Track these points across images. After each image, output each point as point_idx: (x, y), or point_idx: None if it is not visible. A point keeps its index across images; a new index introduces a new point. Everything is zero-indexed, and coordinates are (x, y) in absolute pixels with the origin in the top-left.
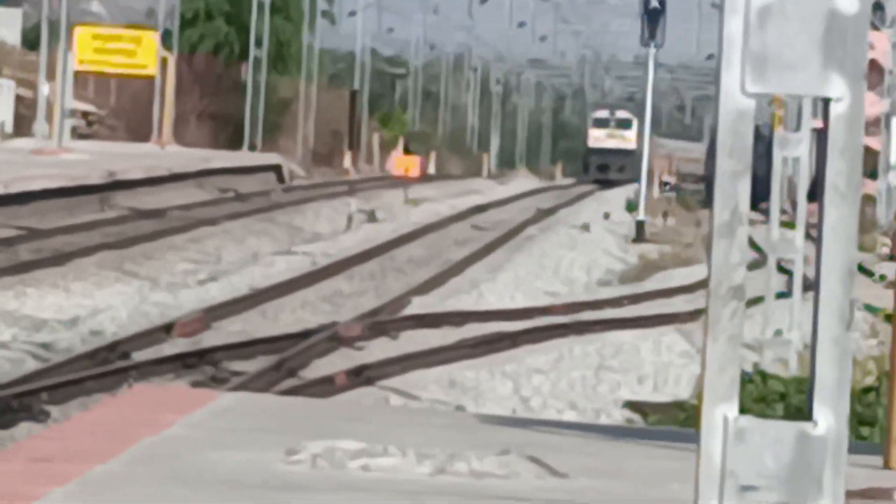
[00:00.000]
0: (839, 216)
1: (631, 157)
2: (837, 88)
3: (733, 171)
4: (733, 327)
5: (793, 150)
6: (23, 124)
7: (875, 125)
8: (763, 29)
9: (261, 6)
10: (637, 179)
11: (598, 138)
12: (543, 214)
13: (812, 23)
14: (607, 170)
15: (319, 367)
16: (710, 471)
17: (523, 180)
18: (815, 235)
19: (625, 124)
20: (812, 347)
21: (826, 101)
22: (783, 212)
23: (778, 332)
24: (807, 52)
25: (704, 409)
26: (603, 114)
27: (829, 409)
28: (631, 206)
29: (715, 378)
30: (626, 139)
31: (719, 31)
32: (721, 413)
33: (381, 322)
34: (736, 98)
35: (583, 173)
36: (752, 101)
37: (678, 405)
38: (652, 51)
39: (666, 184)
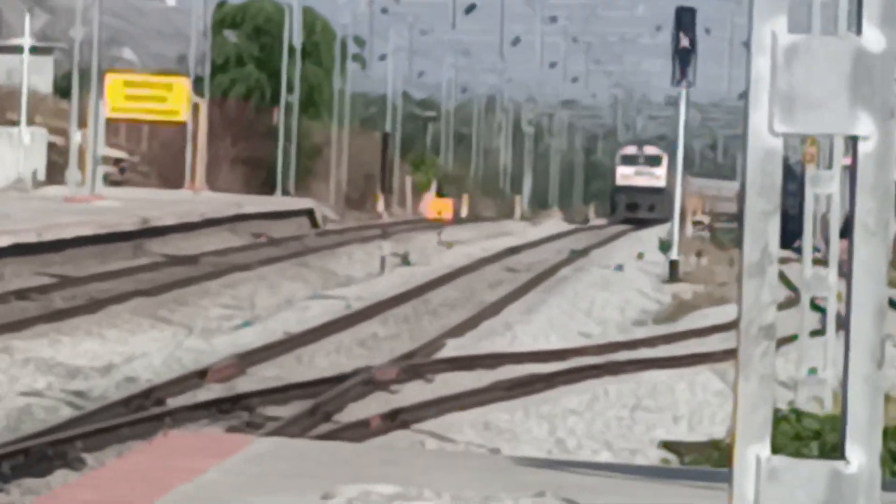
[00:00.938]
0: (869, 254)
1: (661, 195)
2: (865, 127)
3: (763, 211)
4: (765, 367)
5: (825, 188)
6: (55, 172)
7: None
8: (790, 68)
9: (291, 51)
10: (668, 219)
11: (626, 176)
12: (577, 255)
13: (839, 61)
14: (636, 209)
15: (354, 411)
16: None
17: (556, 221)
18: None
19: (654, 161)
20: (844, 386)
21: (854, 140)
22: (816, 250)
23: (812, 371)
24: (834, 90)
25: (737, 448)
26: (631, 150)
27: (862, 448)
28: (664, 246)
29: (747, 417)
30: (656, 176)
31: (747, 71)
32: (753, 452)
33: (415, 365)
34: (764, 138)
35: (611, 213)
36: (780, 140)
37: (713, 444)
38: (683, 90)
39: (699, 222)
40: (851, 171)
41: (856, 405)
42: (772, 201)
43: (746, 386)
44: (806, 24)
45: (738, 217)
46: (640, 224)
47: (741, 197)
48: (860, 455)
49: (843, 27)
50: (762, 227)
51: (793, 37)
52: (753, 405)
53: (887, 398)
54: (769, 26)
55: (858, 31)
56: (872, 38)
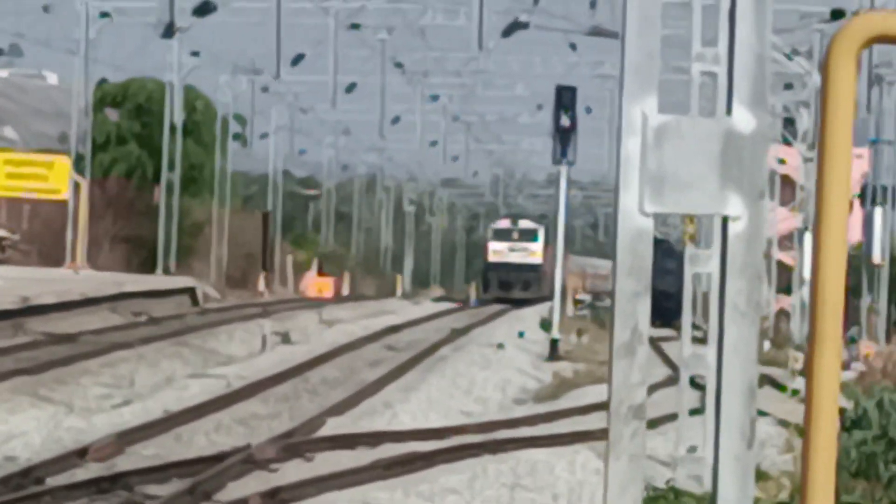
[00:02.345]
0: (739, 334)
1: (537, 272)
2: (735, 207)
3: (632, 291)
4: (635, 446)
5: (704, 267)
6: None
7: (789, 240)
8: (660, 148)
9: (172, 129)
10: (544, 298)
11: (498, 252)
12: (457, 334)
13: (708, 142)
14: (510, 287)
15: (234, 490)
16: None
17: (437, 301)
18: None
19: (529, 235)
20: (714, 465)
21: (724, 220)
22: (696, 328)
23: (692, 449)
24: (703, 171)
25: None
26: (504, 224)
27: None
28: (545, 325)
29: (616, 498)
30: (532, 253)
31: (617, 151)
32: None
33: (295, 444)
34: (634, 218)
35: (483, 292)
36: (650, 220)
37: None
38: (564, 169)
39: (580, 301)
40: (721, 252)
41: (726, 484)
42: (641, 282)
43: (616, 465)
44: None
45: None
46: (512, 304)
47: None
48: None
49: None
50: (631, 308)
51: (663, 117)
52: (623, 485)
53: (766, 477)
54: (639, 107)
55: (728, 111)
56: (742, 118)
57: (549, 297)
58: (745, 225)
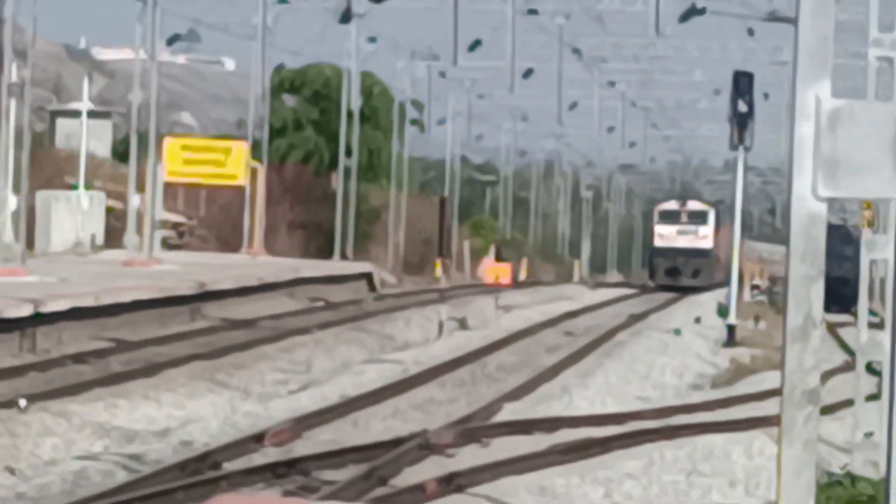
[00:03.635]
0: None
1: (707, 258)
2: None
3: (806, 276)
4: (809, 432)
5: (881, 252)
6: (113, 236)
7: None
8: (833, 133)
9: (350, 115)
10: (714, 286)
11: (665, 236)
12: (634, 320)
13: (882, 126)
14: (678, 275)
15: (410, 476)
16: None
17: (614, 286)
18: None
19: (699, 218)
20: (888, 451)
21: None
22: (873, 314)
23: (868, 435)
24: (877, 155)
25: None
26: (671, 205)
27: None
28: (722, 311)
29: (790, 484)
30: (701, 236)
31: (790, 136)
32: None
33: (472, 429)
34: (808, 202)
35: (648, 279)
36: (823, 204)
37: None
38: (741, 154)
39: (756, 287)
40: None
41: None
42: (815, 266)
43: (790, 451)
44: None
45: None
46: (686, 291)
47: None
48: None
49: None
50: (805, 292)
51: (836, 102)
52: (797, 470)
53: None
54: (813, 91)
55: None
56: None
57: (720, 286)
58: None
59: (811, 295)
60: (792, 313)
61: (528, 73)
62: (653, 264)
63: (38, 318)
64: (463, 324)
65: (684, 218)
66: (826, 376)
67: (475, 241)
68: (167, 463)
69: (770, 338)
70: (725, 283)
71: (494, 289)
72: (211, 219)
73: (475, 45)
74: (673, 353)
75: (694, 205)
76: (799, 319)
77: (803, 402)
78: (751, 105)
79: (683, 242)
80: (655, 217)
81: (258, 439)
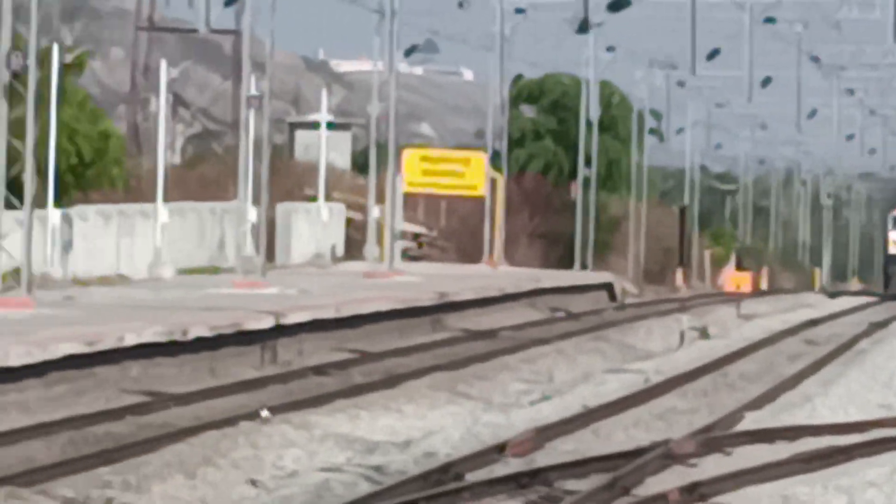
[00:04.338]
0: None
1: None
2: None
3: None
4: None
5: None
6: (353, 247)
7: None
8: None
9: (589, 125)
10: None
11: None
12: (876, 328)
13: None
14: None
15: (652, 485)
16: None
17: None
18: None
19: None
20: None
21: None
22: None
23: None
24: None
25: None
26: None
27: None
28: None
29: None
30: None
31: None
32: None
33: (714, 438)
34: None
35: (883, 288)
36: None
37: None
38: None
39: None
40: None
41: None
42: None
43: None
44: None
45: None
46: None
47: None
48: None
49: None
50: None
51: None
52: None
53: None
54: None
55: None
56: None
57: None
58: None
59: None
60: None
61: (766, 81)
62: (888, 273)
63: (280, 330)
64: (704, 333)
65: None
66: None
67: (715, 249)
68: (409, 474)
69: None
70: None
71: (735, 297)
72: (451, 230)
73: (713, 53)
74: None
75: None
76: None
77: None
78: None
79: None
80: (890, 223)
81: (500, 450)
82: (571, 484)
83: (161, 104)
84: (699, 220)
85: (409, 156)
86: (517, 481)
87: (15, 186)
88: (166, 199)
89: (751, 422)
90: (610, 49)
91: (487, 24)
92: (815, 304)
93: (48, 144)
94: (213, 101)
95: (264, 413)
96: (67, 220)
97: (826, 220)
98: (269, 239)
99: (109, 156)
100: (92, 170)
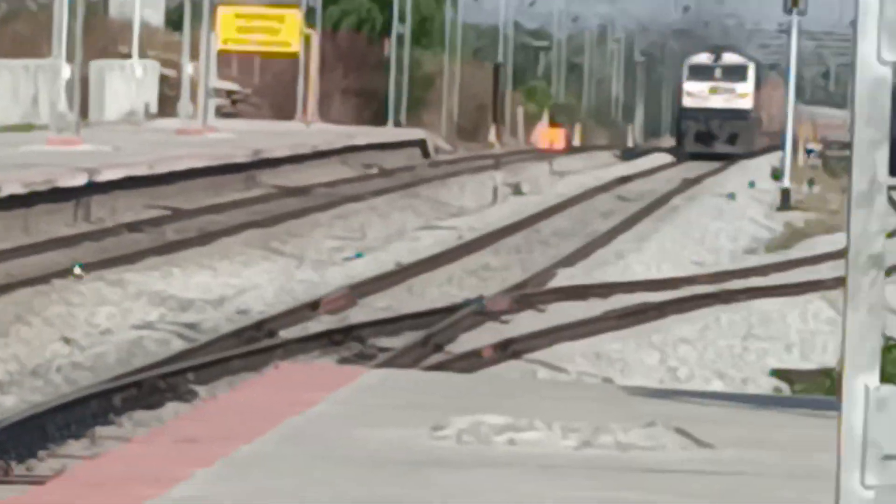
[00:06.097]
0: None
1: (746, 120)
2: None
3: (871, 140)
4: (873, 296)
5: None
6: (167, 104)
7: None
8: None
9: None
10: (752, 153)
11: (696, 94)
12: (689, 184)
13: None
14: (711, 140)
15: (466, 342)
16: (852, 441)
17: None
18: None
19: (737, 73)
20: None
21: None
22: None
23: None
24: None
25: (845, 379)
26: (702, 59)
27: None
28: (776, 174)
29: (856, 348)
30: (739, 95)
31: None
32: (862, 382)
33: (527, 295)
34: (872, 67)
35: (676, 145)
36: (888, 69)
37: (825, 373)
38: (795, 18)
39: (810, 151)
40: None
41: None
42: (880, 130)
43: (855, 316)
44: None
45: (850, 146)
46: (711, 160)
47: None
48: None
49: None
50: (870, 157)
51: None
52: (862, 335)
53: None
54: None
55: None
56: None
57: (762, 153)
58: None
59: (876, 159)
60: (857, 178)
61: None
62: (681, 128)
63: (93, 188)
64: (517, 189)
65: (719, 73)
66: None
67: (529, 107)
68: (223, 331)
69: (824, 201)
70: (768, 149)
71: (548, 154)
72: (265, 87)
73: None
74: (727, 217)
75: (731, 58)
76: (864, 184)
77: (868, 267)
78: None
79: (718, 102)
80: (685, 72)
81: (314, 307)
82: (385, 341)
83: None
84: (513, 77)
85: (224, 13)
86: (330, 338)
87: None
88: None
89: (564, 278)
90: None
91: None
92: (628, 161)
93: None
94: None
95: (77, 270)
96: None
97: (640, 77)
98: (83, 96)
99: None
100: None
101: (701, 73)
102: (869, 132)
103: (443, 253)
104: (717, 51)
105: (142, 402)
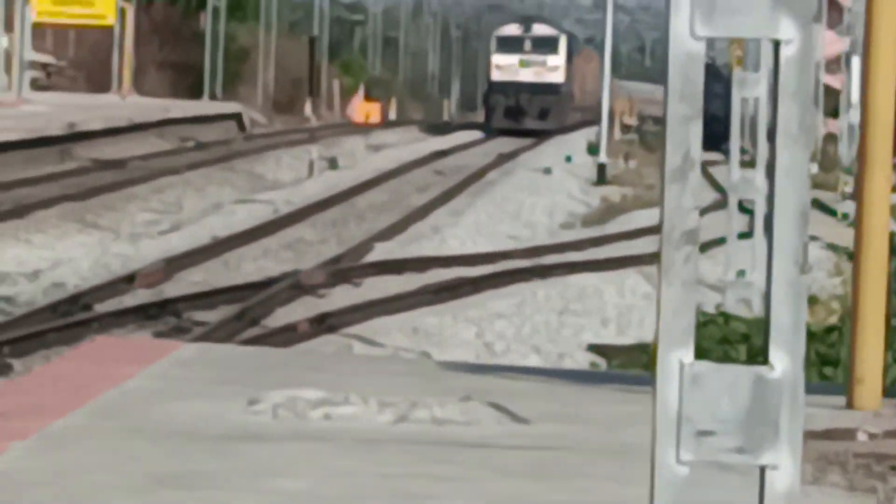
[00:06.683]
0: (791, 159)
1: (558, 95)
2: (787, 30)
3: (684, 116)
4: (687, 272)
5: (752, 91)
6: None
7: (836, 64)
8: None
9: None
10: (563, 129)
11: (504, 68)
12: (505, 158)
13: None
14: (521, 115)
15: (281, 316)
16: (667, 416)
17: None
18: None
19: (547, 45)
20: (767, 291)
21: (776, 44)
22: (744, 152)
23: (741, 273)
24: None
25: (660, 354)
26: (511, 30)
27: (786, 353)
28: (592, 149)
29: (670, 323)
30: (550, 68)
31: None
32: (677, 358)
33: (343, 269)
34: (685, 42)
35: (485, 121)
36: (701, 44)
37: (641, 348)
38: None
39: (627, 126)
40: (773, 76)
41: (779, 310)
42: (693, 106)
43: (669, 291)
44: None
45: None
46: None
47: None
48: (784, 360)
49: None
50: (683, 132)
51: None
52: (676, 311)
53: (816, 301)
54: None
55: None
56: None
57: (574, 128)
58: (797, 48)
59: (689, 135)
60: (670, 153)
61: None
62: (489, 103)
63: None
64: (333, 163)
65: (529, 45)
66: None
67: (345, 80)
68: (38, 305)
69: (640, 176)
70: (581, 125)
71: (364, 128)
72: (80, 60)
73: None
74: (544, 191)
75: (541, 29)
76: (677, 160)
77: (682, 243)
78: None
79: (528, 76)
80: (493, 44)
81: (129, 280)
82: (200, 315)
83: None
84: (329, 51)
85: None
86: (146, 312)
87: None
88: None
89: (380, 253)
90: None
91: None
92: (444, 135)
93: None
94: None
95: None
96: None
97: (455, 51)
98: None
99: None
100: None
101: (510, 45)
102: (682, 108)
103: (258, 227)
104: (526, 22)
105: None
